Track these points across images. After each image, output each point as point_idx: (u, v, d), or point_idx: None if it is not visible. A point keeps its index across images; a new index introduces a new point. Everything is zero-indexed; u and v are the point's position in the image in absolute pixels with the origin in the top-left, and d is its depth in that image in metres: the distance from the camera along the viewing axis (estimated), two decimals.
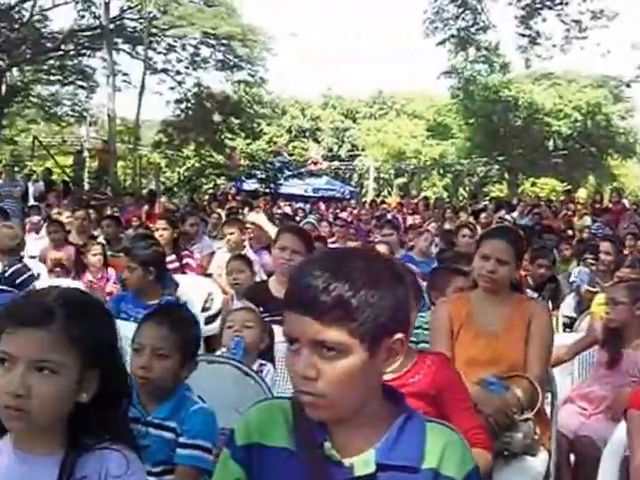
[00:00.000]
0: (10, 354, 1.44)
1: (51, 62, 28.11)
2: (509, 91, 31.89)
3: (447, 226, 11.31)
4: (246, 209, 15.38)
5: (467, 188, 35.86)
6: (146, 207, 11.33)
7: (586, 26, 22.90)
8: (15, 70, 27.32)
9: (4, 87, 26.53)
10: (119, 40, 26.56)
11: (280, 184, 26.73)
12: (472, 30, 26.13)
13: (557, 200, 21.47)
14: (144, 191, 19.49)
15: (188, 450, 2.34)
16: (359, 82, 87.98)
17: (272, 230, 6.43)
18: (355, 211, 18.60)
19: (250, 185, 26.39)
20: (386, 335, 1.34)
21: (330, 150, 37.84)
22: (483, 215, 12.63)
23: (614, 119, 33.59)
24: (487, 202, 19.20)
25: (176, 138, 29.11)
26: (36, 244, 7.90)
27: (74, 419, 1.52)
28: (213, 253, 7.58)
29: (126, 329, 2.85)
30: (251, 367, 3.07)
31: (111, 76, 23.58)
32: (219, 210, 13.38)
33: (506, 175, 34.55)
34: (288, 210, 18.26)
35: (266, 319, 3.47)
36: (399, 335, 1.36)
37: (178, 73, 28.94)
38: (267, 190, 25.12)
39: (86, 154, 24.00)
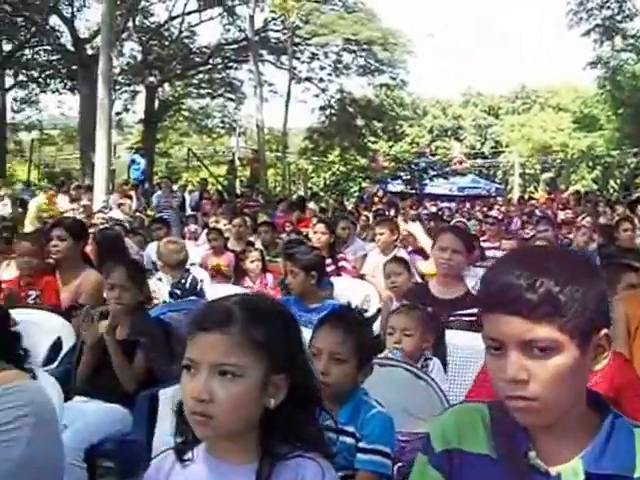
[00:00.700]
0: (193, 359, 1.46)
1: (200, 76, 29.44)
2: None
3: (602, 220, 10.82)
4: (392, 211, 15.42)
5: (618, 180, 34.19)
6: (297, 212, 11.56)
7: None
8: (166, 85, 28.75)
9: (157, 102, 27.99)
10: (264, 51, 27.36)
11: (425, 184, 26.55)
12: (618, 18, 25.33)
13: None
14: (293, 197, 19.93)
15: (368, 455, 2.32)
16: (499, 78, 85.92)
17: (427, 243, 6.34)
18: (503, 208, 18.16)
19: (395, 187, 26.37)
20: (594, 331, 1.28)
21: (473, 148, 37.27)
22: None
23: None
24: None
25: (321, 144, 29.66)
26: (195, 252, 8.21)
27: (266, 427, 1.51)
28: (365, 255, 7.60)
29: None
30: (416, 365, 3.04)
31: (258, 87, 24.26)
32: (366, 213, 13.44)
33: None
34: (434, 210, 18.07)
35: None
36: (605, 330, 1.30)
37: (321, 80, 29.52)
38: (412, 191, 25.01)
39: (237, 163, 24.85)
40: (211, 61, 28.30)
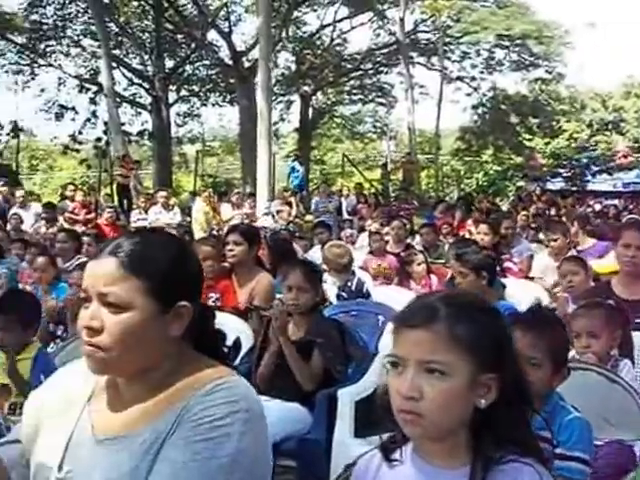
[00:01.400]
0: (400, 357, 1.44)
1: (352, 82, 29.76)
2: None
3: None
4: (552, 210, 14.87)
5: None
6: (458, 213, 11.41)
7: None
8: (319, 93, 29.28)
9: (311, 111, 28.58)
10: (414, 53, 27.27)
11: (587, 181, 25.39)
12: None
13: None
14: (447, 198, 19.68)
15: (566, 462, 2.22)
16: None
17: None
18: None
19: (555, 184, 25.41)
20: None
21: (636, 141, 35.23)
22: None
23: None
24: None
25: (474, 144, 29.15)
26: (354, 255, 8.29)
27: (476, 429, 1.45)
28: (532, 256, 7.37)
29: None
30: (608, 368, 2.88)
31: (409, 89, 24.20)
32: (524, 212, 13.02)
33: None
34: (598, 208, 17.26)
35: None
36: None
37: (473, 79, 29.03)
38: (573, 188, 23.98)
39: (390, 167, 24.92)
40: (362, 67, 28.57)
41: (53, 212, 12.10)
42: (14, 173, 21.80)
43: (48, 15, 25.48)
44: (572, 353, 3.08)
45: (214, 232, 10.98)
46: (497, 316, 1.54)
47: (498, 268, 6.50)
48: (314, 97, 28.70)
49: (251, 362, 3.81)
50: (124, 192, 16.19)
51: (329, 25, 27.71)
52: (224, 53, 25.88)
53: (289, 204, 13.74)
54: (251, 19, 26.69)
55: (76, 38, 26.31)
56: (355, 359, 3.81)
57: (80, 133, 26.56)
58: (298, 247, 7.68)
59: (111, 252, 1.53)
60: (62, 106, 26.93)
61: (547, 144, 29.59)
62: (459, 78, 28.99)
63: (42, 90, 27.11)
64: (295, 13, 25.85)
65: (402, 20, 24.37)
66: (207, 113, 50.39)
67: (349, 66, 28.28)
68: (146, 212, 13.14)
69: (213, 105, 29.57)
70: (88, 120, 26.61)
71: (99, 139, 24.61)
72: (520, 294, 5.42)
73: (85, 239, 7.80)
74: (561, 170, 26.46)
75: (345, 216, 14.78)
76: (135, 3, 25.55)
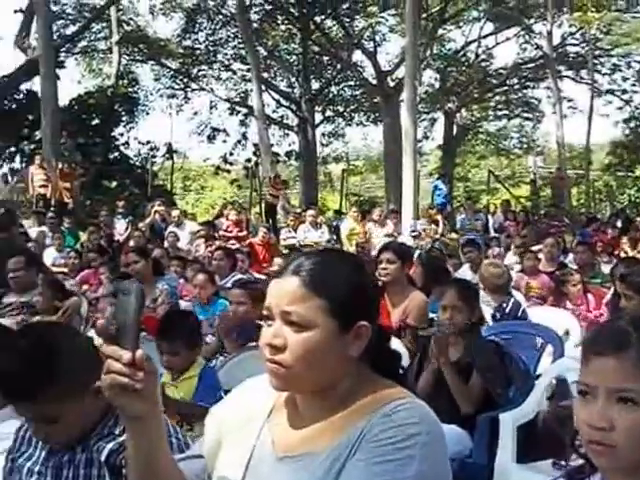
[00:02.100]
0: (589, 384, 1.39)
1: (497, 98, 29.25)
2: None
3: None
4: None
5: None
6: (611, 231, 10.94)
7: None
8: (464, 110, 28.98)
9: (455, 127, 28.32)
10: (562, 67, 26.50)
11: None
12: None
13: None
14: (598, 215, 18.93)
15: None
16: None
17: None
18: None
19: None
20: None
21: None
22: None
23: None
24: None
25: (626, 158, 27.94)
26: None
27: None
28: None
29: None
30: None
31: (557, 104, 23.50)
32: None
33: None
34: None
35: None
36: None
37: (624, 92, 27.89)
38: None
39: (539, 183, 24.24)
40: (508, 82, 28.04)
41: (211, 230, 12.58)
42: (169, 193, 22.93)
43: (200, 40, 26.79)
44: None
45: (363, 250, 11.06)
46: None
47: None
48: (458, 114, 28.42)
49: (408, 381, 3.80)
50: (271, 211, 16.70)
51: (474, 41, 27.41)
52: (368, 73, 26.20)
53: (435, 222, 13.64)
54: (395, 38, 26.93)
55: (227, 62, 27.47)
56: (516, 382, 3.72)
57: (231, 154, 27.61)
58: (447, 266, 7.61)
59: (294, 271, 1.54)
60: (214, 128, 28.17)
61: None
62: (610, 91, 27.97)
63: (195, 113, 28.57)
64: (440, 31, 25.75)
65: (550, 34, 23.71)
66: (351, 132, 51.01)
67: (494, 81, 27.82)
68: (295, 230, 13.44)
69: (357, 125, 29.98)
70: (239, 142, 27.69)
71: (249, 160, 25.37)
72: None
73: (239, 256, 8.09)
74: None
75: (492, 234, 14.48)
76: (283, 27, 26.33)
